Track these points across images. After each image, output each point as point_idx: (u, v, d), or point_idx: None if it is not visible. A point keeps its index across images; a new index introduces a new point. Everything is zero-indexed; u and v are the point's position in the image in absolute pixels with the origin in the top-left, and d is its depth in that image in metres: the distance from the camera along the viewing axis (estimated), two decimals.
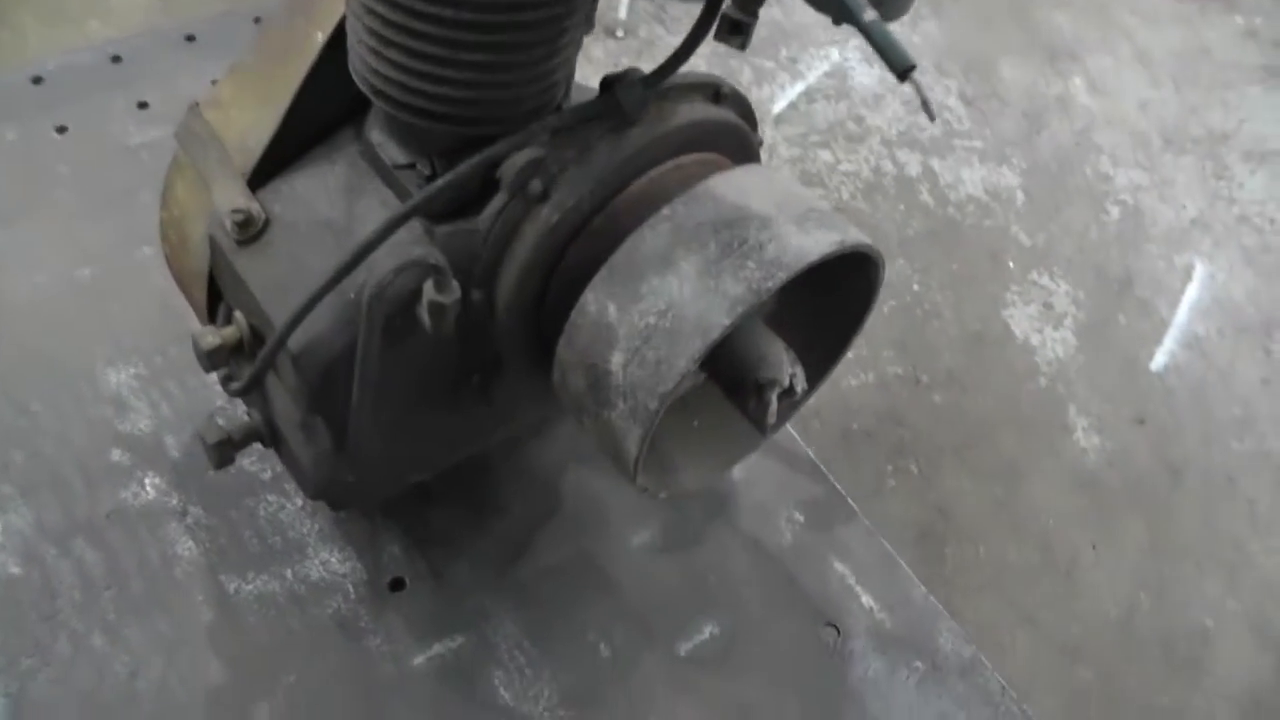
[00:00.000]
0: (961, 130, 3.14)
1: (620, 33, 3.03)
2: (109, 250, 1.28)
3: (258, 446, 1.01)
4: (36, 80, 1.45)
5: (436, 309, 0.76)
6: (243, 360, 0.86)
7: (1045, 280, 2.76)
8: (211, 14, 1.64)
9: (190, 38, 1.55)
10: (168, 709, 0.96)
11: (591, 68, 0.92)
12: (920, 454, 2.39)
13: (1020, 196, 2.97)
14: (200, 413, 1.14)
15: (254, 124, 0.87)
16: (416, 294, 0.77)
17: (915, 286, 2.66)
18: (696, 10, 0.77)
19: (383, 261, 0.75)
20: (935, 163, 3.00)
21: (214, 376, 1.13)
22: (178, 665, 0.98)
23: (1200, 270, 2.91)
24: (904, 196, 2.87)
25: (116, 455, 1.10)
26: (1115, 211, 2.99)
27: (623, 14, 3.06)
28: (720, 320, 0.73)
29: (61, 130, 1.40)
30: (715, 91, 0.88)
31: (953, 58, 3.37)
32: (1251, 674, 2.26)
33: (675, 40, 0.85)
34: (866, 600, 1.14)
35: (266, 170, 0.87)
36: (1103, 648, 2.23)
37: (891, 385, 2.46)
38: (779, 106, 3.05)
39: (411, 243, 0.79)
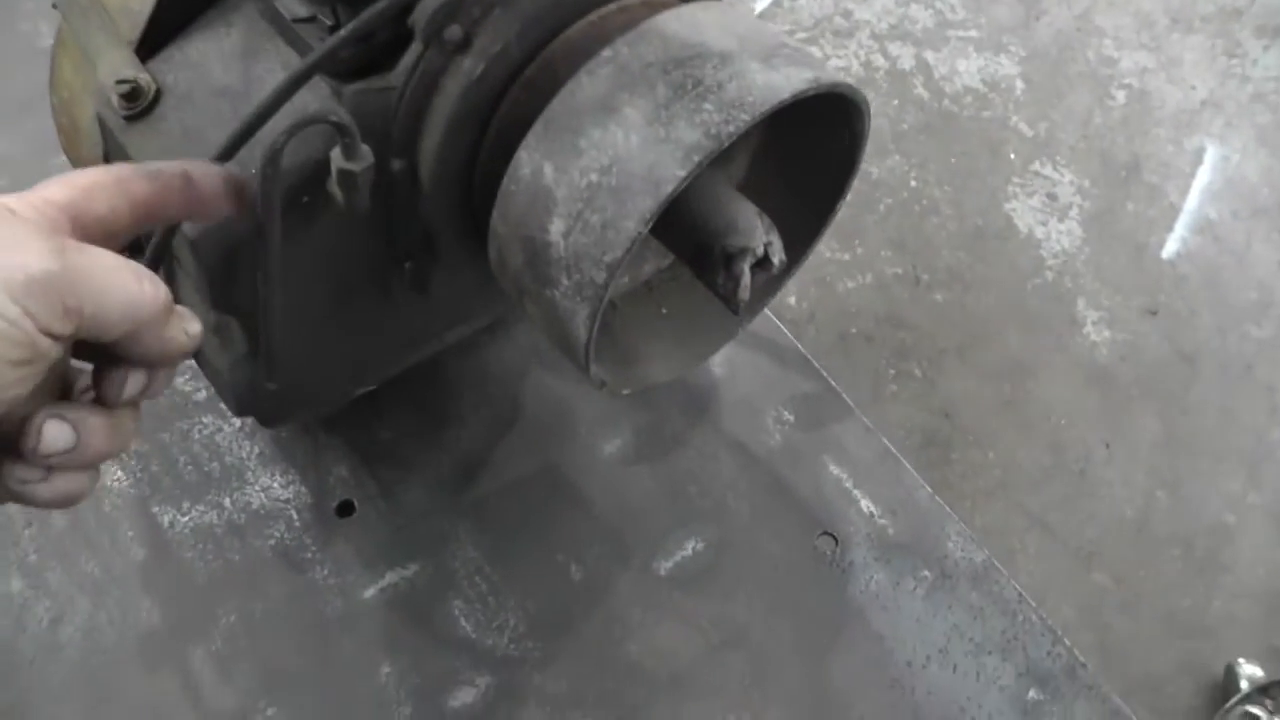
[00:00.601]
0: (955, 20, 2.97)
1: None
2: (21, 162, 1.16)
3: (191, 365, 0.91)
4: None
5: (346, 178, 0.65)
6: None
7: (1048, 170, 2.63)
8: None
9: None
10: (95, 656, 0.87)
11: None
12: (922, 356, 2.28)
13: (1020, 85, 2.82)
14: None
15: None
16: (324, 165, 0.66)
17: (912, 183, 2.53)
18: None
19: (278, 126, 0.64)
20: (929, 55, 2.84)
21: None
22: (106, 608, 0.89)
23: (1212, 152, 2.77)
24: (897, 91, 2.73)
25: None
26: (1120, 96, 2.84)
27: None
28: (674, 172, 0.62)
29: None
30: None
31: None
32: (1274, 570, 2.18)
33: None
34: (866, 505, 1.04)
35: (156, 37, 0.75)
36: (1119, 550, 2.15)
37: (890, 285, 2.35)
38: (762, 4, 2.89)
39: (314, 105, 0.68)
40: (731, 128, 0.62)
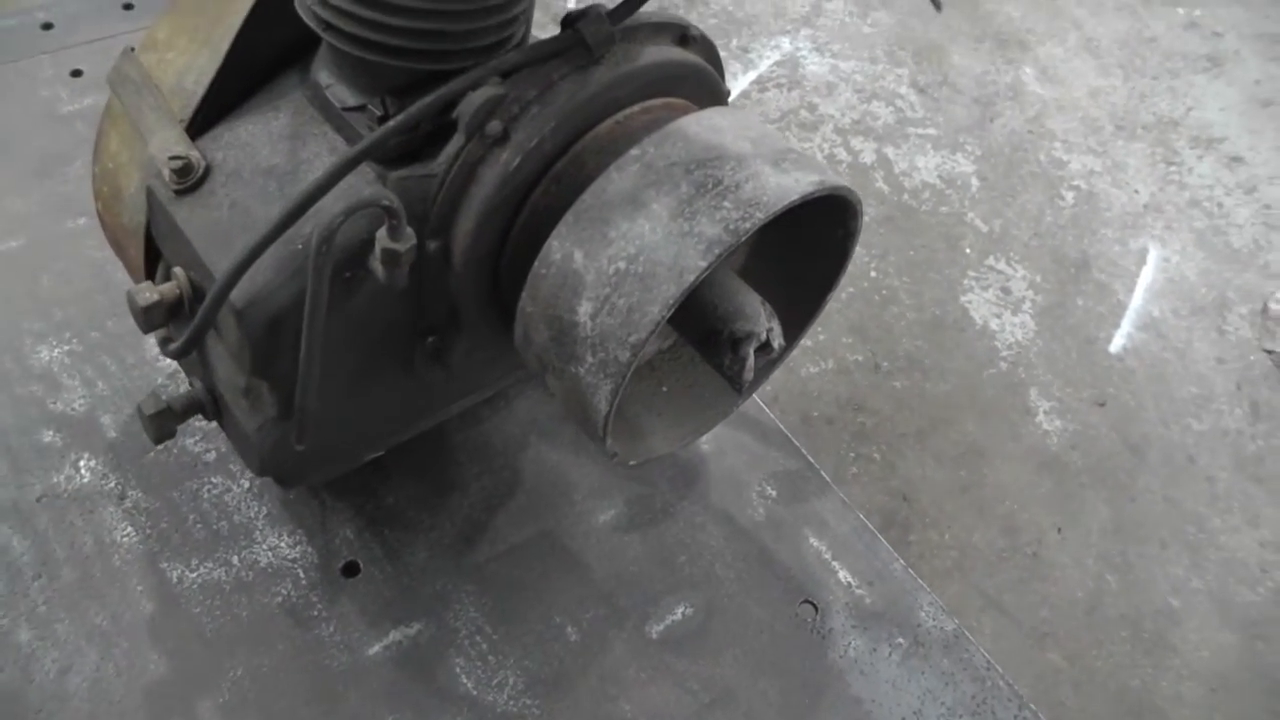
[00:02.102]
0: (915, 118, 3.13)
1: None
2: (39, 221, 1.21)
3: (202, 426, 0.95)
4: None
5: (390, 256, 0.71)
6: (183, 321, 0.79)
7: (1002, 265, 2.75)
8: None
9: (128, 5, 1.48)
10: (103, 707, 0.89)
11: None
12: (882, 440, 2.36)
13: (975, 183, 2.96)
14: (140, 390, 1.07)
15: (192, 66, 0.81)
16: (369, 242, 0.72)
17: (873, 273, 2.64)
18: None
19: (332, 207, 0.69)
20: (889, 150, 2.98)
21: (156, 351, 1.08)
22: (114, 659, 0.91)
23: (1154, 253, 2.92)
24: (859, 184, 2.84)
25: (48, 436, 1.03)
26: (1070, 196, 2.99)
27: None
28: (696, 263, 0.69)
29: None
30: (682, 34, 0.83)
31: (904, 45, 3.36)
32: (1217, 653, 2.26)
33: None
34: (844, 575, 1.10)
35: (207, 116, 0.81)
36: (1071, 630, 2.22)
37: (851, 371, 2.43)
38: (731, 96, 3.02)
39: (363, 189, 0.73)
40: (748, 224, 0.69)
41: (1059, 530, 2.34)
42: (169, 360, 1.08)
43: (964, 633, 1.09)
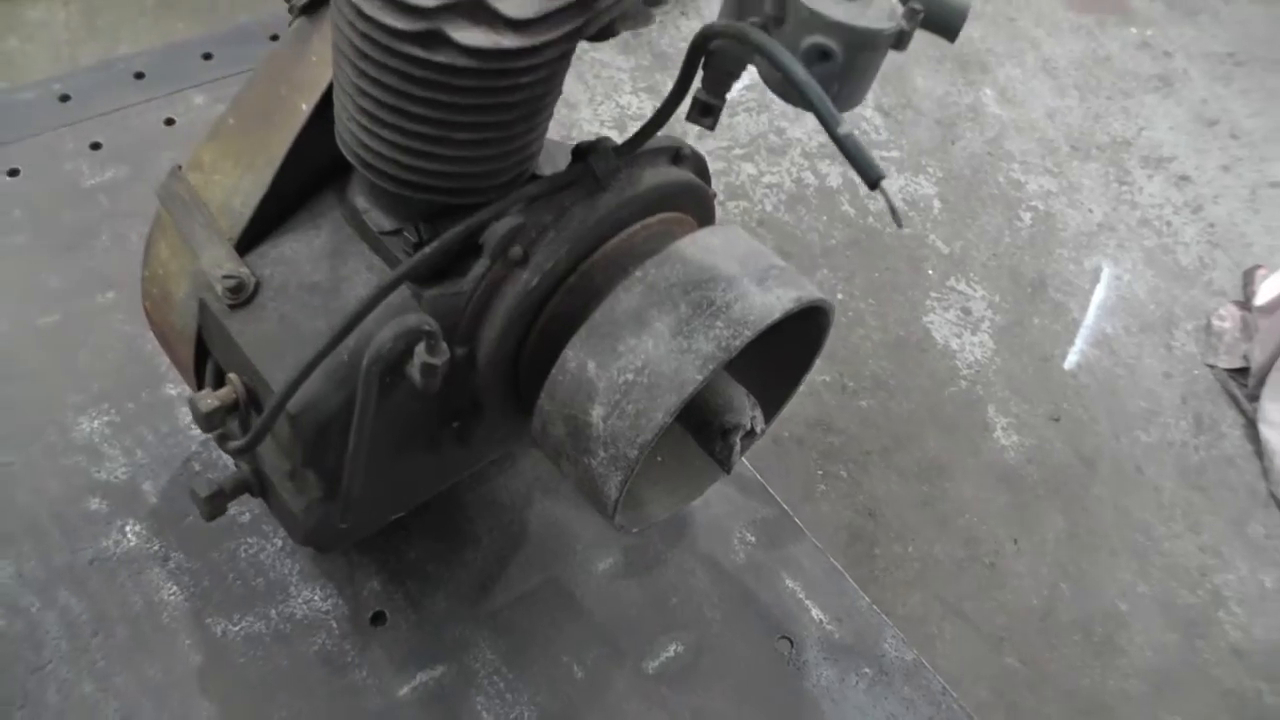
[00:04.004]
0: (879, 140, 3.26)
1: None
2: (71, 296, 1.30)
3: None
4: None
5: (428, 369, 0.81)
6: (238, 418, 0.90)
7: (963, 286, 2.89)
8: (157, 46, 1.66)
9: (139, 75, 1.56)
10: None
11: None
12: (849, 458, 2.49)
13: (937, 205, 3.10)
14: (176, 457, 1.17)
15: (238, 189, 0.91)
16: (407, 352, 0.83)
17: (840, 295, 2.77)
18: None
19: (375, 324, 0.80)
20: (854, 174, 3.10)
21: (187, 420, 1.18)
22: (170, 708, 1.02)
23: (1107, 272, 3.07)
24: (826, 207, 2.97)
25: (94, 504, 1.13)
26: (1027, 217, 3.14)
27: None
28: (694, 377, 0.80)
29: (13, 174, 1.40)
30: (676, 153, 0.94)
31: None
32: (1160, 652, 2.41)
33: None
34: (816, 613, 1.22)
35: (253, 234, 0.91)
36: (1027, 635, 2.37)
37: (820, 392, 2.56)
38: None
39: (401, 306, 0.84)
40: (738, 342, 0.81)
41: (1015, 541, 2.48)
42: (199, 429, 1.19)
43: (923, 662, 1.21)
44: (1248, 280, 3.10)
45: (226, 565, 1.11)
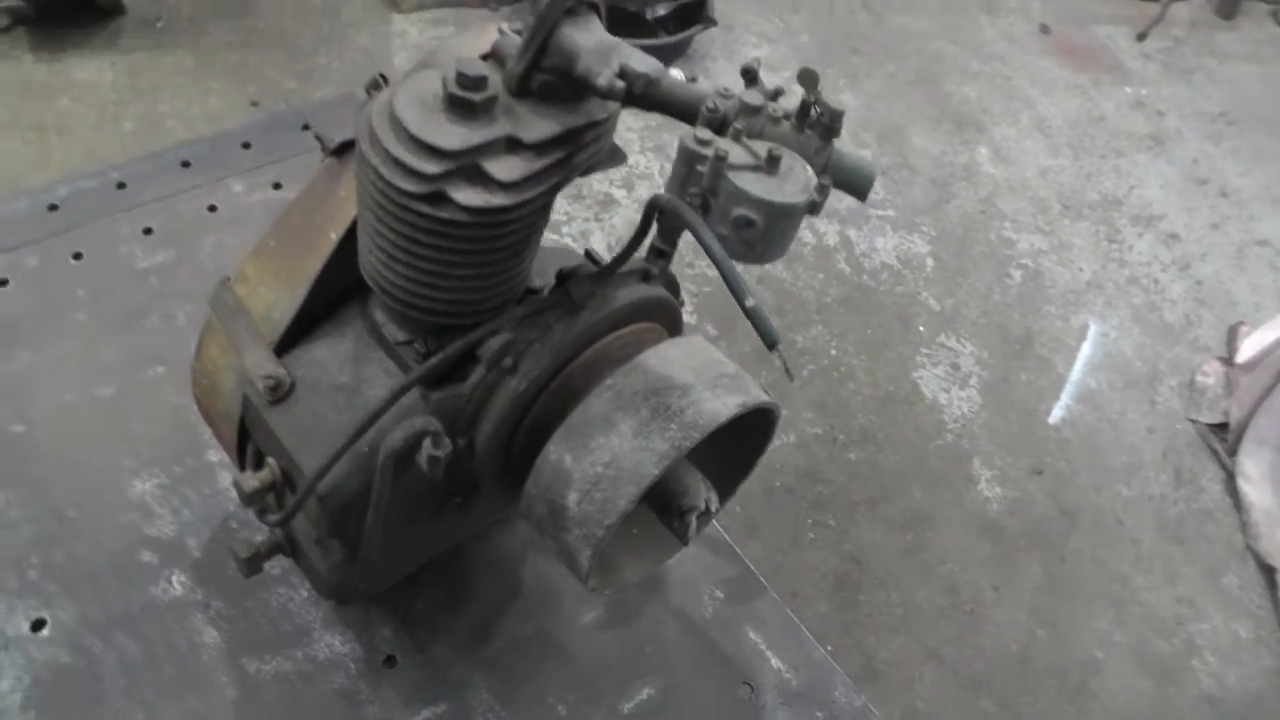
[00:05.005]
0: (875, 199, 3.42)
1: None
2: (125, 369, 1.47)
3: None
4: (52, 207, 1.64)
5: (433, 461, 0.98)
6: (274, 494, 1.07)
7: (952, 342, 3.04)
8: (204, 136, 1.85)
9: (185, 163, 1.75)
10: None
11: None
12: (837, 508, 2.64)
13: (930, 263, 3.25)
14: (217, 516, 1.34)
15: (277, 302, 1.09)
16: (416, 446, 0.99)
17: (833, 351, 2.93)
18: None
19: (391, 421, 0.98)
20: (851, 232, 3.27)
21: (226, 484, 1.35)
22: None
23: (1094, 329, 3.21)
24: (822, 265, 3.14)
25: (146, 556, 1.30)
26: (1017, 275, 3.29)
27: None
28: (651, 471, 0.97)
29: (78, 257, 1.59)
30: (646, 273, 1.11)
31: (868, 128, 3.66)
32: (1133, 698, 2.54)
33: None
34: (775, 662, 1.38)
35: (289, 339, 1.08)
36: (1004, 680, 2.50)
37: (810, 444, 2.72)
38: None
39: (411, 406, 1.01)
40: (688, 442, 0.98)
41: (995, 589, 2.62)
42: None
43: (869, 707, 1.37)
44: (1231, 336, 3.23)
45: (259, 612, 1.28)
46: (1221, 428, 3.03)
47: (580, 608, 1.36)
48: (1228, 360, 3.15)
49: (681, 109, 0.92)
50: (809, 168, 0.87)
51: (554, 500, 1.02)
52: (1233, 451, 2.97)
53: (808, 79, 0.88)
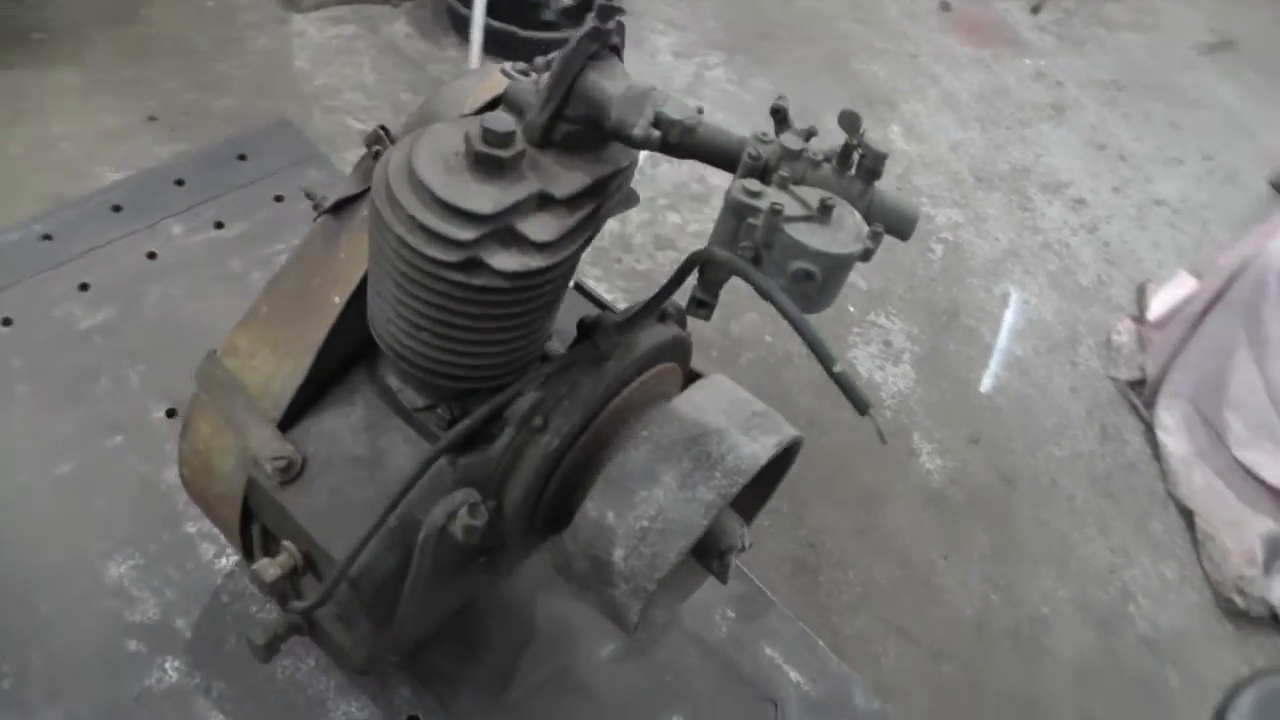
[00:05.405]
0: None
1: None
2: (81, 442, 1.37)
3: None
4: None
5: (470, 530, 0.94)
6: (291, 580, 1.01)
7: (883, 320, 3.09)
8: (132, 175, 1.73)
9: (116, 208, 1.63)
10: None
11: None
12: (787, 493, 2.66)
13: None
14: (204, 591, 1.27)
15: (277, 374, 1.02)
16: (451, 517, 0.95)
17: (768, 338, 2.94)
18: None
19: (419, 492, 0.93)
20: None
21: (211, 555, 1.28)
22: None
23: (1015, 296, 3.30)
24: None
25: (133, 645, 1.21)
26: (939, 249, 3.36)
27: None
28: (700, 523, 0.95)
29: (7, 323, 1.47)
30: (663, 313, 1.09)
31: None
32: (1080, 649, 2.64)
33: None
34: (794, 676, 1.38)
35: (294, 413, 1.02)
36: (962, 645, 2.57)
37: None
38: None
39: (438, 473, 0.97)
40: (734, 489, 0.96)
41: (945, 558, 2.69)
42: (224, 561, 1.29)
43: (888, 709, 1.38)
44: (1140, 294, 3.36)
45: (266, 688, 1.22)
46: (1139, 384, 3.15)
47: (597, 643, 1.34)
48: (1139, 318, 3.28)
49: (719, 156, 0.89)
50: (857, 214, 0.85)
51: (598, 556, 0.99)
52: (1150, 405, 3.10)
53: (850, 122, 0.87)
